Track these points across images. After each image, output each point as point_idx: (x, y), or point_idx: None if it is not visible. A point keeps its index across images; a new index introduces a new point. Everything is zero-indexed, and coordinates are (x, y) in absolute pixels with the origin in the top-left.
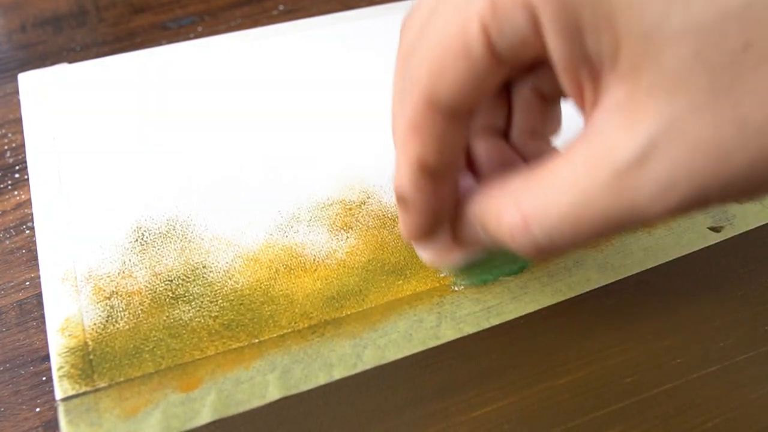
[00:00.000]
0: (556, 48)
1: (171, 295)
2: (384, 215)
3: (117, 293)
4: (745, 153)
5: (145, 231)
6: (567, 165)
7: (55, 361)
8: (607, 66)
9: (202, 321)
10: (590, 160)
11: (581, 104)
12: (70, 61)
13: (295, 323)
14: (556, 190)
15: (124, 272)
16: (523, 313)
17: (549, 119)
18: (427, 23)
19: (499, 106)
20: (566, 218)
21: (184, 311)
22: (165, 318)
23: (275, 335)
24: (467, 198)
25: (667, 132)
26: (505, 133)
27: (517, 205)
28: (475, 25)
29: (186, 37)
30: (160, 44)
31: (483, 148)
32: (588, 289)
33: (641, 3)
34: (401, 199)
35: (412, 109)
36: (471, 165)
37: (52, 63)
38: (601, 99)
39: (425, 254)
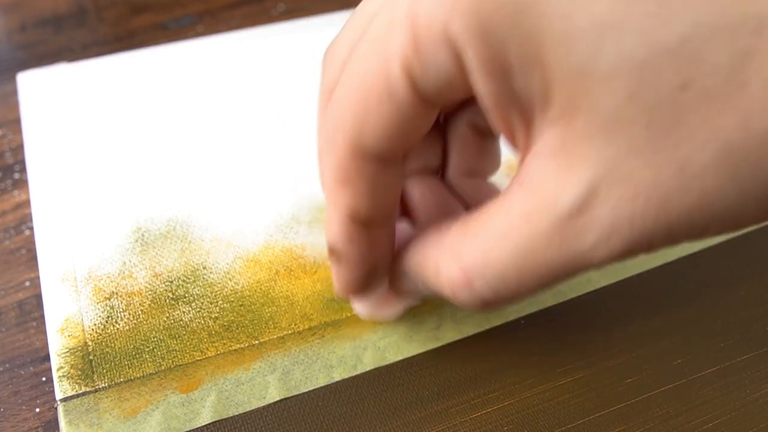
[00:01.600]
0: (482, 88)
1: (171, 296)
2: None
3: (117, 294)
4: (687, 196)
5: (145, 231)
6: (504, 214)
7: (55, 362)
8: (538, 108)
9: (202, 322)
10: (528, 209)
11: (514, 144)
12: (70, 61)
13: (296, 325)
14: (496, 241)
15: (124, 273)
16: (523, 314)
17: (487, 156)
18: (348, 60)
19: (432, 144)
20: (509, 270)
21: (184, 312)
22: (165, 319)
23: (275, 336)
24: (403, 247)
25: (607, 177)
26: (440, 172)
27: (456, 259)
28: (396, 65)
29: (186, 37)
30: (160, 44)
31: (417, 191)
32: (588, 290)
33: (571, 39)
34: (333, 253)
35: (338, 158)
36: (405, 208)
37: (52, 63)
38: (534, 143)
39: (362, 309)
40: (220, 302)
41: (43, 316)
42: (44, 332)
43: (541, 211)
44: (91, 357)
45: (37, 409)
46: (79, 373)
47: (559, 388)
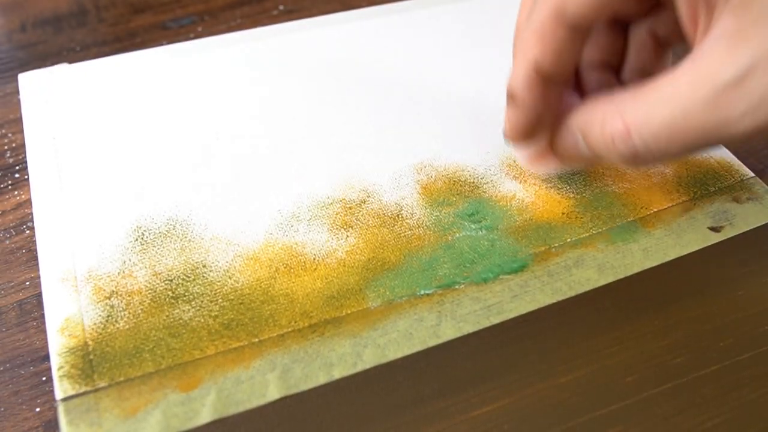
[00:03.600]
0: None
1: (171, 294)
2: (384, 214)
3: (117, 293)
4: None
5: (145, 230)
6: (672, 82)
7: (55, 361)
8: (721, 1)
9: (202, 320)
10: (694, 79)
11: (693, 32)
12: (70, 61)
13: (295, 322)
14: (659, 103)
15: (124, 272)
16: (523, 312)
17: (658, 63)
18: None
19: (615, 45)
20: (665, 128)
21: (184, 311)
22: (165, 317)
23: (275, 334)
24: (572, 110)
25: (766, 58)
26: (617, 72)
27: (621, 115)
28: None
29: (186, 37)
30: (160, 44)
31: (594, 78)
32: (588, 289)
33: None
34: (511, 97)
35: (539, 19)
36: (580, 89)
37: (52, 63)
38: (712, 28)
39: (522, 155)
40: (220, 300)
41: (43, 316)
42: (44, 332)
43: (705, 80)
44: (91, 356)
45: (38, 409)
46: (79, 372)
47: (559, 387)
